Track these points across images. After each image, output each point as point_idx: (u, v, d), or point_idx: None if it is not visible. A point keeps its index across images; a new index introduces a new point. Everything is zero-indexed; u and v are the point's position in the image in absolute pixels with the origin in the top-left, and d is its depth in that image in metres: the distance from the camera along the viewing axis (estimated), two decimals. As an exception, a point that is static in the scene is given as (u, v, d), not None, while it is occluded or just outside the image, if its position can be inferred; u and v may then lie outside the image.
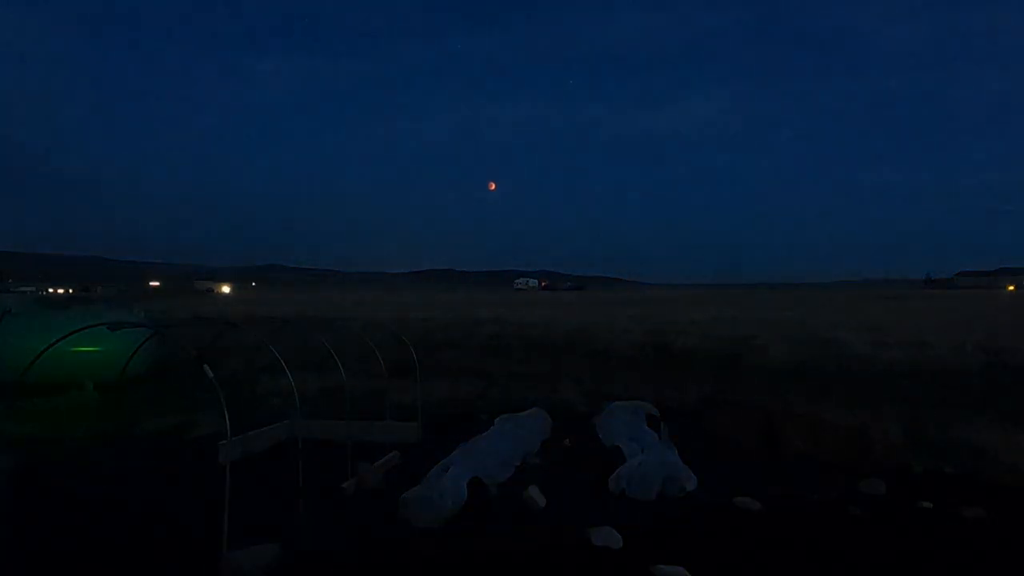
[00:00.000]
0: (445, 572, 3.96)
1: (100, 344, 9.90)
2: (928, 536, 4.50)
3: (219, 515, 3.85)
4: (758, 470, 6.01)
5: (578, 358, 14.18)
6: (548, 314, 34.70)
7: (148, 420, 7.76)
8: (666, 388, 10.16)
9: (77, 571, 3.93)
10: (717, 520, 4.76)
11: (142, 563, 4.01)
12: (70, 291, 74.99)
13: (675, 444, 6.62)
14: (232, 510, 3.85)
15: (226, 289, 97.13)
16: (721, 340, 18.72)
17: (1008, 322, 26.98)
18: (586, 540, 4.33)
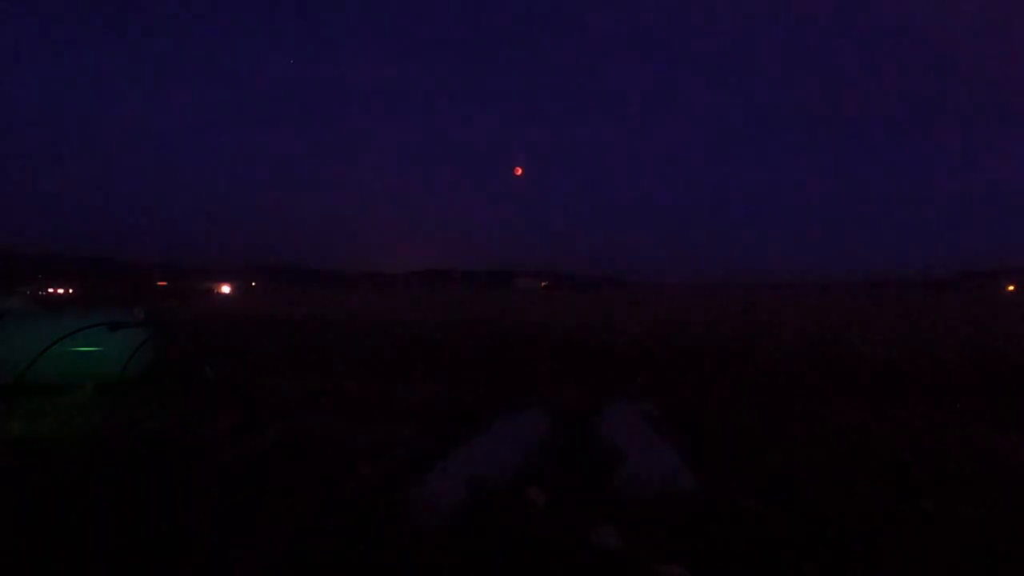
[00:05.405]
0: (445, 572, 3.96)
1: (100, 344, 9.93)
2: (929, 536, 4.50)
3: (219, 515, 3.85)
4: (758, 470, 6.00)
5: (578, 358, 14.20)
6: (548, 314, 34.76)
7: (148, 420, 7.75)
8: (666, 387, 10.16)
9: (77, 571, 3.93)
10: (717, 520, 4.76)
11: (142, 563, 4.01)
12: (70, 291, 75.04)
13: (675, 444, 6.62)
14: (232, 510, 3.85)
15: (226, 289, 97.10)
16: (722, 339, 18.77)
17: (1008, 322, 27.00)
18: (586, 540, 4.33)
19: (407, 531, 4.51)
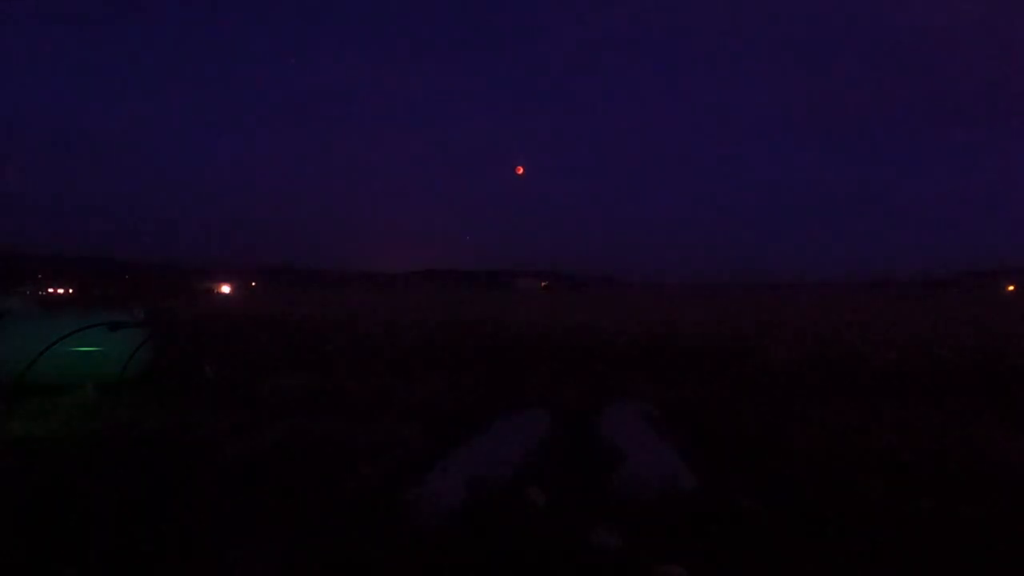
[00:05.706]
0: (445, 572, 3.96)
1: (100, 344, 9.94)
2: (929, 536, 4.50)
3: (219, 515, 3.85)
4: (758, 470, 6.00)
5: (578, 358, 14.19)
6: (548, 314, 34.76)
7: (148, 420, 7.75)
8: (666, 387, 10.16)
9: (77, 571, 3.93)
10: (717, 520, 4.76)
11: (142, 563, 4.01)
12: (70, 291, 75.11)
13: (675, 444, 6.62)
14: (232, 510, 3.85)
15: (226, 289, 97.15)
16: (722, 339, 18.75)
17: (1008, 322, 27.01)
18: (586, 540, 4.33)
19: (407, 531, 4.51)
